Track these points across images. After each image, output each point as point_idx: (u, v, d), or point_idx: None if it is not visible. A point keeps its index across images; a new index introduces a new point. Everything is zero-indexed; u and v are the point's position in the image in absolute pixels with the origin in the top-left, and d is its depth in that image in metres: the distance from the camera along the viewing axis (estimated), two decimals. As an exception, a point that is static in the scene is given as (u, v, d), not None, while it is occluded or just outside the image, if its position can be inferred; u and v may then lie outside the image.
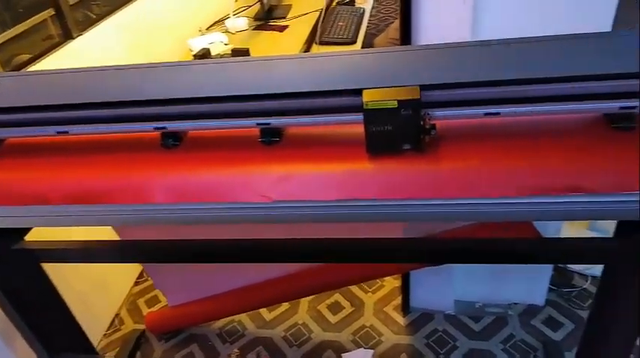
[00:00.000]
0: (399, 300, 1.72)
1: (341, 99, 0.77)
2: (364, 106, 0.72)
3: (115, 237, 1.25)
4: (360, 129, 0.81)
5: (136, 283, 1.92)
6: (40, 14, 1.61)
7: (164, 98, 0.81)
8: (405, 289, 1.65)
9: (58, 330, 1.28)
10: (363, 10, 2.42)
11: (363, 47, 2.17)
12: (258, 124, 0.81)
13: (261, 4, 2.13)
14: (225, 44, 1.90)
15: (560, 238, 1.30)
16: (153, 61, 0.90)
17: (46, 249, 1.15)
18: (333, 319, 1.70)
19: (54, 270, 1.25)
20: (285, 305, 1.75)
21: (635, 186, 0.67)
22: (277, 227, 0.91)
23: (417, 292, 1.65)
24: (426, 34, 1.06)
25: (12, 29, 1.62)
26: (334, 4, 2.57)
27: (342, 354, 1.57)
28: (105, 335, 1.73)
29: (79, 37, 1.62)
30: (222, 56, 1.80)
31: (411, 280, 1.63)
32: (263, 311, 1.74)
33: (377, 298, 1.76)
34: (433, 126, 0.72)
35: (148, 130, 0.84)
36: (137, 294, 1.87)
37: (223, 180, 0.80)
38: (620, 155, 0.69)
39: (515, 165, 0.72)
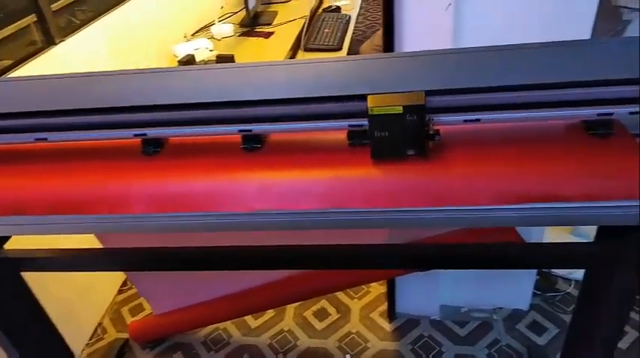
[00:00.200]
0: (384, 306, 1.72)
1: (342, 105, 0.77)
2: (369, 112, 0.72)
3: (98, 245, 1.24)
4: (342, 135, 0.81)
5: (120, 291, 1.89)
6: (22, 20, 1.59)
7: (145, 104, 0.81)
8: (391, 295, 1.65)
9: (38, 340, 1.26)
10: (349, 17, 2.43)
11: (348, 54, 2.18)
12: (240, 131, 0.81)
13: (247, 10, 2.13)
14: (211, 50, 1.90)
15: (542, 243, 1.31)
16: (137, 67, 0.89)
17: (26, 257, 1.13)
18: (319, 326, 1.69)
19: (34, 278, 1.23)
20: (270, 312, 1.74)
21: (613, 194, 0.68)
22: (262, 234, 0.90)
23: (402, 298, 1.66)
24: (409, 41, 1.07)
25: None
26: (320, 11, 2.58)
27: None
28: (87, 344, 1.71)
29: (61, 43, 1.61)
30: (206, 62, 1.80)
31: (397, 286, 1.63)
32: (248, 318, 1.73)
33: (363, 304, 1.75)
34: (437, 132, 0.72)
35: (128, 137, 0.83)
36: (121, 303, 1.85)
37: (204, 189, 0.79)
38: (598, 163, 0.69)
39: (508, 172, 0.72)
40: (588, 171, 0.70)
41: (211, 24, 2.21)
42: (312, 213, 0.79)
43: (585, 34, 1.04)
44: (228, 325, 1.72)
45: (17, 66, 1.46)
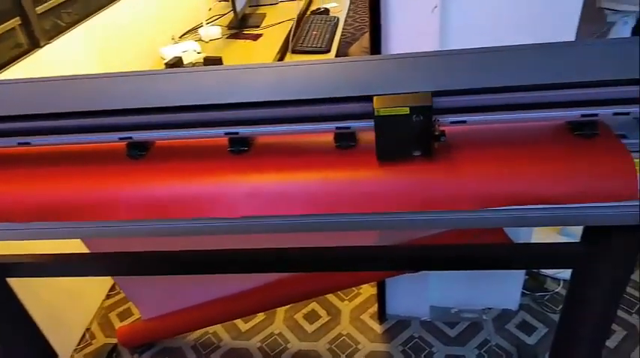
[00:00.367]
0: (375, 308, 1.71)
1: (334, 107, 0.77)
2: (376, 113, 0.71)
3: (84, 249, 1.22)
4: (329, 137, 0.81)
5: (108, 296, 1.87)
6: (6, 23, 1.57)
7: (130, 107, 0.80)
8: (381, 297, 1.65)
9: (24, 346, 1.24)
10: (337, 20, 2.43)
11: (337, 56, 2.19)
12: (226, 134, 0.80)
13: (235, 12, 2.12)
14: (198, 53, 1.89)
15: (529, 244, 1.32)
16: (123, 70, 0.88)
17: (11, 263, 1.12)
18: (309, 328, 1.69)
19: (21, 283, 1.21)
20: (260, 315, 1.73)
21: (599, 196, 0.68)
22: (250, 236, 0.90)
23: (393, 299, 1.66)
24: (395, 43, 1.07)
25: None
26: (308, 13, 2.58)
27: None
28: (75, 350, 1.69)
29: (46, 46, 1.59)
30: (194, 65, 1.79)
31: (387, 287, 1.63)
32: (238, 321, 1.72)
33: (353, 306, 1.75)
34: (443, 133, 0.72)
35: (113, 141, 0.82)
36: (109, 308, 1.83)
37: (190, 195, 0.79)
38: (584, 165, 0.70)
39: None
40: (578, 172, 0.70)
41: (199, 26, 2.20)
42: (304, 215, 0.79)
43: (570, 35, 1.05)
44: (218, 328, 1.70)
45: (1, 69, 1.44)
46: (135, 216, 0.81)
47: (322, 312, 1.74)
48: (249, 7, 2.46)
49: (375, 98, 0.72)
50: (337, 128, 0.79)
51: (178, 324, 1.56)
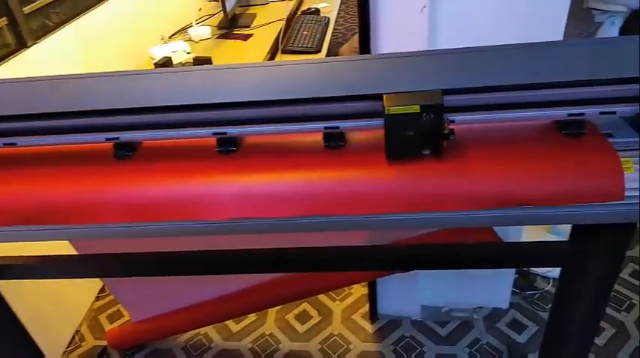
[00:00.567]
0: (366, 308, 1.72)
1: (330, 107, 0.77)
2: (386, 111, 0.70)
3: (72, 251, 1.21)
4: (318, 137, 0.81)
5: (98, 298, 1.86)
6: (-7, 23, 1.55)
7: (117, 108, 0.79)
8: (372, 296, 1.65)
9: (11, 348, 1.23)
10: (328, 20, 2.43)
11: (327, 56, 2.19)
12: (214, 134, 0.80)
13: (225, 12, 2.11)
14: (188, 53, 1.88)
15: (519, 242, 1.32)
16: (111, 70, 0.87)
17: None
18: (301, 328, 1.68)
19: (8, 285, 1.20)
20: (251, 316, 1.73)
21: (587, 196, 0.69)
22: (241, 237, 0.89)
23: (384, 299, 1.66)
24: (385, 43, 1.07)
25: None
26: (299, 13, 2.58)
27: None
28: (65, 352, 1.67)
29: (33, 46, 1.58)
30: (183, 65, 1.78)
31: (378, 287, 1.63)
32: (229, 322, 1.71)
33: (345, 306, 1.75)
34: (452, 132, 0.72)
35: (99, 141, 0.81)
36: (98, 310, 1.82)
37: (177, 196, 0.78)
38: (571, 165, 0.70)
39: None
40: (565, 172, 0.70)
41: (189, 26, 2.18)
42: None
43: (558, 35, 1.05)
44: (209, 330, 1.70)
45: (-13, 69, 1.42)
46: (122, 218, 0.80)
47: (314, 312, 1.73)
48: (240, 7, 2.46)
49: (384, 96, 0.71)
50: (325, 128, 0.79)
51: (168, 326, 1.55)
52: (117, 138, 0.81)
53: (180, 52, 1.87)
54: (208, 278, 1.38)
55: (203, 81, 0.83)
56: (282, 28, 2.03)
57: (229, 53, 2.00)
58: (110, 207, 0.80)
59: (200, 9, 2.56)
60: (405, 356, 1.56)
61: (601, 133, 0.74)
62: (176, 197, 0.79)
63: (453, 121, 0.74)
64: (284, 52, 2.04)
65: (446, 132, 0.71)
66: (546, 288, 1.72)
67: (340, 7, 2.95)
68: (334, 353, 1.59)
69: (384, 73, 0.78)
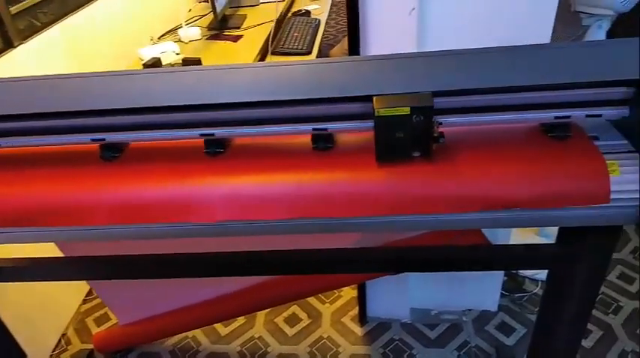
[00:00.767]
0: (356, 310, 1.71)
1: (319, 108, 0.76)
2: (376, 113, 0.70)
3: (58, 253, 1.20)
4: (306, 139, 0.81)
5: (85, 301, 1.84)
6: (-22, 23, 1.53)
7: (103, 108, 0.78)
8: (362, 299, 1.65)
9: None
10: (319, 22, 2.43)
11: (318, 57, 2.18)
12: (201, 135, 0.79)
13: (215, 13, 2.11)
14: (177, 54, 1.87)
15: (506, 245, 1.33)
16: (99, 71, 0.86)
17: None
18: (290, 331, 1.67)
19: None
20: (240, 319, 1.71)
21: (573, 200, 0.69)
22: (230, 239, 0.89)
23: (373, 302, 1.66)
24: (374, 45, 1.07)
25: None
26: (290, 15, 2.58)
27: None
28: (51, 355, 1.65)
29: (20, 46, 1.56)
30: (172, 65, 1.77)
31: (368, 290, 1.63)
32: (218, 325, 1.70)
33: (334, 309, 1.75)
34: (441, 135, 0.72)
35: (85, 142, 0.80)
36: (85, 312, 1.80)
37: (164, 198, 0.77)
38: (557, 168, 0.70)
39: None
40: (551, 175, 0.70)
41: (178, 27, 2.17)
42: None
43: (545, 37, 1.06)
44: (197, 333, 1.68)
45: (-28, 69, 1.41)
46: (108, 220, 0.79)
47: (303, 315, 1.73)
48: (230, 8, 2.45)
49: (374, 98, 0.71)
50: (314, 129, 0.79)
51: (156, 329, 1.54)
52: (103, 139, 0.81)
53: (169, 52, 1.86)
54: (196, 280, 1.37)
55: (191, 82, 0.82)
56: (272, 30, 2.02)
57: (219, 54, 1.99)
58: (96, 209, 0.79)
59: (190, 10, 2.55)
60: (395, 358, 1.56)
61: (587, 136, 0.74)
62: (163, 199, 0.78)
63: (440, 124, 0.74)
64: (274, 53, 2.03)
65: (435, 135, 0.71)
66: (535, 291, 1.72)
67: (331, 8, 2.96)
68: (323, 356, 1.58)
69: (374, 74, 0.77)
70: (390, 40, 1.06)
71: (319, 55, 2.26)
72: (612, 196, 0.68)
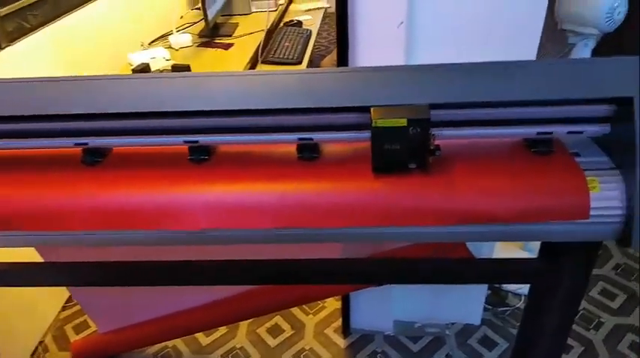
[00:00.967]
0: (339, 322, 1.70)
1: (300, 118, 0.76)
2: (373, 124, 0.70)
3: (38, 258, 1.18)
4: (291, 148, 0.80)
5: (64, 308, 1.81)
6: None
7: (87, 112, 0.78)
8: (346, 311, 1.64)
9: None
10: (310, 32, 2.45)
11: (309, 67, 2.19)
12: (185, 142, 0.79)
13: (206, 21, 2.11)
14: (167, 60, 1.87)
15: (489, 259, 1.33)
16: (88, 75, 0.86)
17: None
18: (272, 343, 1.66)
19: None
20: (222, 329, 1.70)
21: (553, 215, 0.69)
22: (214, 247, 0.88)
23: (357, 313, 1.65)
24: (363, 57, 1.08)
25: None
26: (282, 25, 2.59)
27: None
28: (27, 363, 1.62)
29: (7, 48, 1.55)
30: (161, 72, 1.76)
31: (352, 301, 1.62)
32: (199, 335, 1.68)
33: (318, 320, 1.74)
34: (437, 147, 0.72)
35: (68, 146, 0.80)
36: (65, 320, 1.76)
37: (146, 205, 0.76)
38: (537, 183, 0.71)
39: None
40: (533, 190, 0.71)
41: (169, 33, 2.17)
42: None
43: (531, 54, 1.07)
44: (178, 342, 1.66)
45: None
46: (90, 226, 0.78)
47: (286, 326, 1.71)
48: (222, 16, 2.46)
49: (372, 109, 0.71)
50: (299, 139, 0.79)
51: (136, 338, 1.52)
52: (86, 144, 0.80)
53: (159, 58, 1.85)
54: (178, 289, 1.35)
55: (177, 88, 0.82)
56: (263, 39, 2.03)
57: (209, 62, 1.99)
58: (77, 214, 0.78)
59: (182, 16, 2.56)
60: (377, 371, 1.55)
61: (569, 152, 0.75)
62: (145, 205, 0.77)
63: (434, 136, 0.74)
64: (264, 62, 2.04)
65: (432, 148, 0.72)
66: (517, 305, 1.73)
67: (323, 20, 2.97)
68: (305, 368, 1.57)
69: (368, 85, 0.77)
70: (378, 53, 1.07)
71: (310, 65, 2.27)
72: (592, 212, 0.69)
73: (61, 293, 1.83)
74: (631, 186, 0.68)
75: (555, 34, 1.66)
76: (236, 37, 2.27)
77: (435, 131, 0.75)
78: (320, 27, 2.80)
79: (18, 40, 1.61)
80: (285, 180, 0.78)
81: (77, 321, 1.75)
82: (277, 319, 1.74)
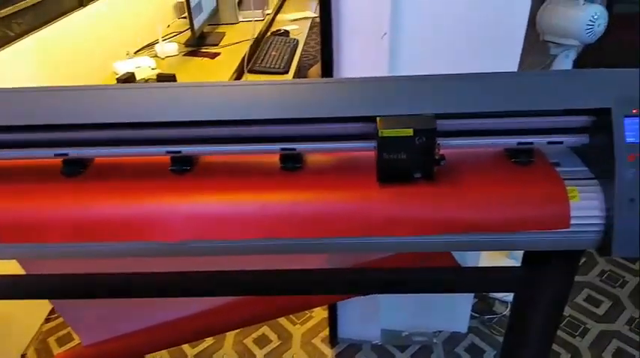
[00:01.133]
0: (327, 332, 1.70)
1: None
2: (379, 134, 0.70)
3: (20, 270, 1.16)
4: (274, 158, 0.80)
5: (47, 320, 1.78)
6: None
7: (67, 123, 0.77)
8: (333, 320, 1.64)
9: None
10: (297, 42, 2.46)
11: (295, 77, 2.20)
12: (168, 152, 0.78)
13: (192, 30, 2.11)
14: (153, 69, 1.86)
15: (474, 267, 1.34)
16: (73, 84, 0.85)
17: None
18: (259, 353, 1.65)
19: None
20: (209, 340, 1.68)
21: (533, 224, 0.70)
22: (197, 258, 0.87)
23: (344, 323, 1.65)
24: (346, 68, 1.09)
25: None
26: (269, 34, 2.60)
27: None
28: (8, 378, 1.59)
29: (-11, 56, 1.53)
30: (147, 81, 1.76)
31: (339, 311, 1.62)
32: (185, 346, 1.66)
33: (305, 330, 1.73)
34: (442, 157, 0.72)
35: (48, 157, 0.79)
36: (48, 332, 1.74)
37: (127, 215, 0.76)
38: (518, 193, 0.71)
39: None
40: (513, 199, 0.71)
41: (155, 42, 2.17)
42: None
43: (513, 65, 1.09)
44: (164, 354, 1.64)
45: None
46: (69, 238, 0.77)
47: (273, 336, 1.70)
48: (209, 25, 2.46)
49: (378, 119, 0.71)
50: (282, 149, 0.79)
51: (121, 350, 1.49)
52: (66, 154, 0.79)
53: (144, 67, 1.85)
54: (163, 300, 1.34)
55: (159, 98, 0.81)
56: (249, 48, 2.03)
57: (195, 71, 1.99)
58: (57, 226, 0.77)
59: (169, 25, 2.55)
60: (364, 381, 1.55)
61: (549, 162, 0.76)
62: (126, 216, 0.76)
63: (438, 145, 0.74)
64: (251, 71, 2.04)
65: (437, 157, 0.72)
66: (504, 313, 1.74)
67: (311, 29, 2.98)
68: (292, 378, 1.56)
69: (366, 95, 0.77)
70: (362, 63, 1.07)
71: (297, 74, 2.27)
72: (572, 221, 0.69)
73: (43, 305, 1.80)
74: (609, 196, 0.69)
75: (537, 45, 1.69)
76: (223, 47, 2.27)
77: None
78: (307, 36, 2.81)
79: (2, 48, 1.59)
80: (267, 190, 0.77)
81: (60, 334, 1.73)
82: (264, 329, 1.72)
